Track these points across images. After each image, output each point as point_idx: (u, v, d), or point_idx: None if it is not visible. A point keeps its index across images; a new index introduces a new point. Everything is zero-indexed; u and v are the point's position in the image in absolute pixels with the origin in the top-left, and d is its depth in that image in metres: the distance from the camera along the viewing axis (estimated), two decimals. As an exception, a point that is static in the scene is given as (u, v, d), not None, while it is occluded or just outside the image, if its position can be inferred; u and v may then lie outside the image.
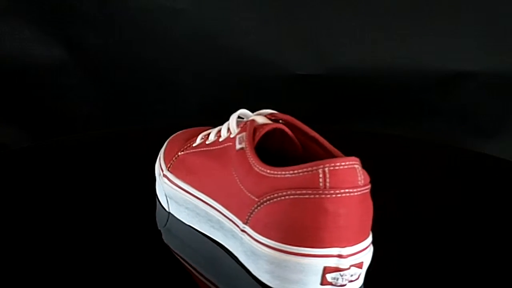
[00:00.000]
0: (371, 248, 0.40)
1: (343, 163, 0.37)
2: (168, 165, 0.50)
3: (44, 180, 0.58)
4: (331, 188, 0.36)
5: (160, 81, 1.15)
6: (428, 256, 0.46)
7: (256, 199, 0.39)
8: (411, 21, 1.11)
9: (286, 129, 0.44)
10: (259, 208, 0.39)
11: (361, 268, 0.38)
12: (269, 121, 0.44)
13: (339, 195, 0.36)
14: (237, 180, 0.42)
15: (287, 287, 0.38)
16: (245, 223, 0.41)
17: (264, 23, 1.12)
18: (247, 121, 0.44)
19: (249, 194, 0.40)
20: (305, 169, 0.37)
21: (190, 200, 0.48)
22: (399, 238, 0.49)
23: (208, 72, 1.14)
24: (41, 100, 1.16)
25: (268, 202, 0.38)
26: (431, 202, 0.56)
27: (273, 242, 0.38)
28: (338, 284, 0.37)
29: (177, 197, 0.49)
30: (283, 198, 0.38)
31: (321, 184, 0.36)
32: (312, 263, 0.37)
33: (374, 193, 0.55)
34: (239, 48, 1.12)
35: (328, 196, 0.36)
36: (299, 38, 1.12)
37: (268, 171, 0.39)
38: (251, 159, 0.41)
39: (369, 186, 0.39)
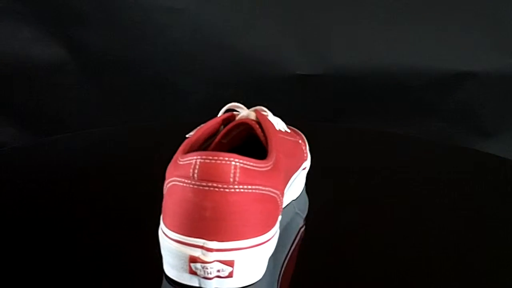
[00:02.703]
0: (256, 250, 0.39)
1: (215, 158, 0.37)
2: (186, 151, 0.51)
3: (44, 179, 0.58)
4: (198, 179, 0.37)
5: (160, 81, 1.16)
6: (427, 255, 0.46)
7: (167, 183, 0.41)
8: (411, 21, 1.11)
9: (254, 126, 0.45)
10: (164, 191, 0.41)
11: (231, 266, 0.38)
12: (253, 117, 0.46)
13: (206, 188, 0.37)
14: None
15: (168, 270, 0.40)
16: None
17: (264, 23, 1.12)
18: (226, 114, 0.45)
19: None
20: (186, 159, 0.38)
21: None
22: (398, 238, 0.49)
23: (208, 72, 1.14)
24: (41, 100, 1.16)
25: (167, 186, 0.40)
26: (431, 202, 0.56)
27: (162, 224, 0.40)
28: (202, 276, 0.38)
29: None
30: (170, 184, 0.39)
31: (190, 175, 0.37)
32: (180, 250, 0.38)
33: (374, 192, 0.54)
34: (239, 48, 1.12)
35: (195, 187, 0.37)
36: (299, 38, 1.13)
37: (179, 158, 0.40)
38: (181, 146, 0.42)
39: (258, 187, 0.38)
